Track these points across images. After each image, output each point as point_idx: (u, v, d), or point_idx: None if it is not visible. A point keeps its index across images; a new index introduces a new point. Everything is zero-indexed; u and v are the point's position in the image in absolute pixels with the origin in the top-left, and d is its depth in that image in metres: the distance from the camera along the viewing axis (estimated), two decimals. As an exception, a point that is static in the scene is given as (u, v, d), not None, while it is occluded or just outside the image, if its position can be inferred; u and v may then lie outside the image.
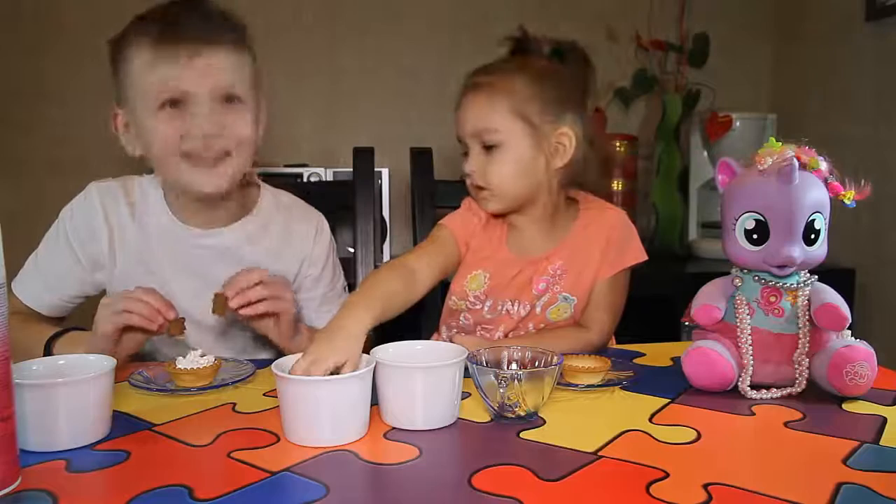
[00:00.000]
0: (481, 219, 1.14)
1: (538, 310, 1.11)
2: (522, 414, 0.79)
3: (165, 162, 1.06)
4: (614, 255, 1.11)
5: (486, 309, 1.12)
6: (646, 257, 1.14)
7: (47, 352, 1.02)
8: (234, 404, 0.86)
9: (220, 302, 1.00)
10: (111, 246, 1.12)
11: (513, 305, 1.11)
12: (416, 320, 1.48)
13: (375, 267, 1.44)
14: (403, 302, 0.98)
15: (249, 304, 1.00)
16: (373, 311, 0.88)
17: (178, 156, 1.04)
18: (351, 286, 1.33)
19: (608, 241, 1.12)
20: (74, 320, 1.17)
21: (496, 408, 0.79)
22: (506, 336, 1.11)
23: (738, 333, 0.88)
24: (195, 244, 1.13)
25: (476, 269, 1.12)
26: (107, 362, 0.78)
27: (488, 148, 1.07)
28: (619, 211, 1.17)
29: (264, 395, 0.90)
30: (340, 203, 1.54)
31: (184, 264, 1.13)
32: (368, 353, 0.80)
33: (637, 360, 1.05)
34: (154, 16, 1.05)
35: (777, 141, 0.89)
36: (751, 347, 0.88)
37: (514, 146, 1.07)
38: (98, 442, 0.74)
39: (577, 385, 0.90)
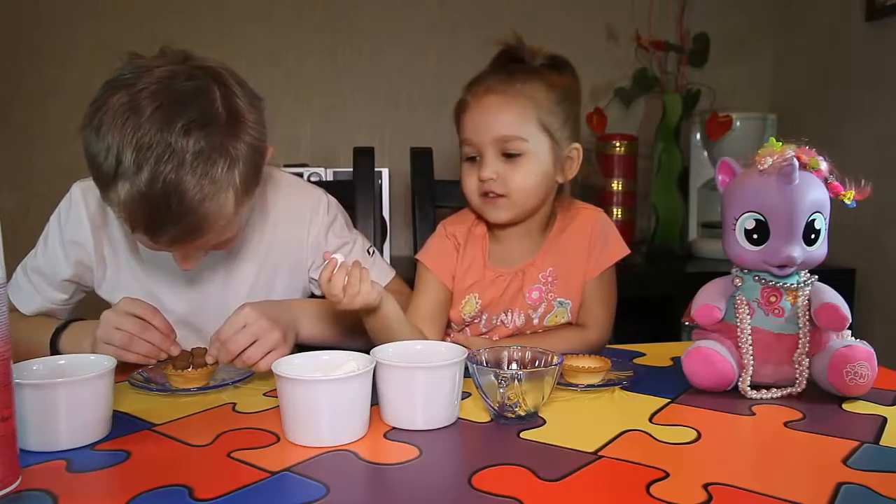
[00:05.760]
0: (459, 243, 1.12)
1: (535, 321, 1.11)
2: (522, 414, 0.79)
3: None
4: (598, 253, 1.12)
5: (482, 323, 1.13)
6: (628, 251, 1.14)
7: (53, 347, 1.02)
8: (234, 404, 0.86)
9: (199, 356, 0.94)
10: (97, 247, 1.10)
11: (507, 316, 1.11)
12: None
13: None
14: None
15: (236, 355, 0.94)
16: None
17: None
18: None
19: (590, 241, 1.12)
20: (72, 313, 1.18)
21: (496, 408, 0.79)
22: None
23: (738, 333, 0.88)
24: None
25: (467, 296, 1.12)
26: (107, 362, 0.78)
27: (509, 156, 1.04)
28: (595, 209, 1.16)
29: (264, 395, 0.90)
30: (340, 203, 1.54)
31: (174, 268, 1.06)
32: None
33: (637, 360, 1.05)
34: (133, 212, 0.87)
35: (777, 141, 0.89)
36: (751, 347, 0.88)
37: (538, 157, 1.05)
38: (98, 442, 0.75)
39: (577, 385, 0.90)
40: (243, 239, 1.11)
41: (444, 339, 1.09)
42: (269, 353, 0.93)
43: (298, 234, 1.15)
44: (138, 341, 0.95)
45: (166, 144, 0.84)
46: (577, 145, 1.09)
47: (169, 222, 0.88)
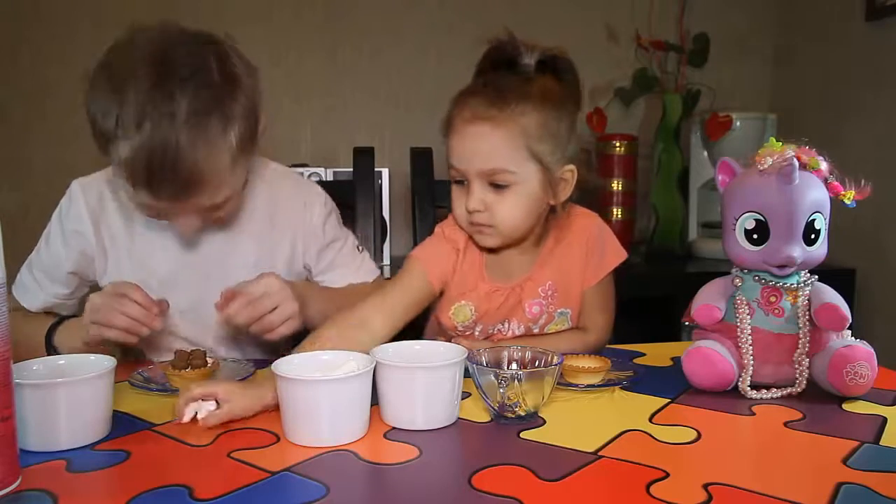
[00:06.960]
0: (459, 248, 1.08)
1: (536, 330, 1.10)
2: (522, 414, 0.79)
3: None
4: (596, 259, 1.10)
5: (477, 333, 1.11)
6: (626, 255, 1.12)
7: (48, 343, 1.03)
8: (234, 404, 0.86)
9: (197, 357, 0.95)
10: (99, 242, 1.11)
11: (505, 325, 1.10)
12: (415, 321, 1.48)
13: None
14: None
15: (256, 319, 0.98)
16: None
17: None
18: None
19: (587, 248, 1.09)
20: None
21: (496, 408, 0.79)
22: None
23: (738, 333, 0.88)
24: None
25: (459, 301, 1.08)
26: (107, 362, 0.78)
27: (496, 186, 0.99)
28: (590, 215, 1.13)
29: (264, 395, 0.90)
30: (340, 203, 1.54)
31: (174, 254, 1.11)
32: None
33: (637, 360, 1.05)
34: (133, 168, 0.91)
35: (777, 141, 0.89)
36: (751, 347, 0.88)
37: (526, 187, 1.00)
38: (98, 442, 0.75)
39: (577, 385, 0.90)
40: (243, 225, 1.13)
41: (394, 331, 1.02)
42: (286, 321, 0.97)
43: (298, 220, 1.18)
44: (116, 315, 0.95)
45: (163, 102, 0.88)
46: (571, 167, 1.03)
47: (168, 178, 0.91)
